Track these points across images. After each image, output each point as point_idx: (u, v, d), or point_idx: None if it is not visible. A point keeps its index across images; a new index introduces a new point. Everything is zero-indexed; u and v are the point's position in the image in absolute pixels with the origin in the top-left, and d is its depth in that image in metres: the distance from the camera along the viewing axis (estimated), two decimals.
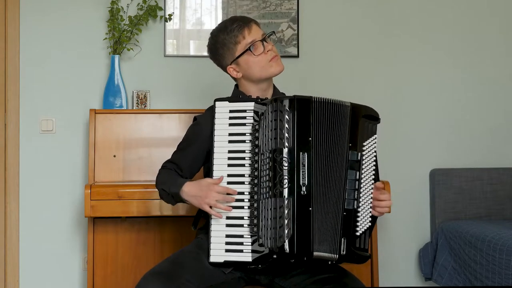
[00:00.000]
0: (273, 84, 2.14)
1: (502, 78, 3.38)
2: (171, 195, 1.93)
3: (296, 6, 3.23)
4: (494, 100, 3.37)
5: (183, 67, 3.20)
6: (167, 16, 3.14)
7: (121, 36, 3.03)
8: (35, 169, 3.10)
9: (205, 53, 3.17)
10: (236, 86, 2.14)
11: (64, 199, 3.11)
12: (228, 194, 1.84)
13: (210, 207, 1.84)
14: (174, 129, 2.91)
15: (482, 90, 3.37)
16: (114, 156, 2.88)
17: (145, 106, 3.08)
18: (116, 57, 3.02)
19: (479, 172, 3.27)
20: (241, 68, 2.05)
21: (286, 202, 1.76)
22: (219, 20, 3.22)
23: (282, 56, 3.15)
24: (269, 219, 1.78)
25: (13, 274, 3.07)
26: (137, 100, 3.08)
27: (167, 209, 2.55)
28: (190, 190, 1.88)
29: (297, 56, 3.24)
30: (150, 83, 3.16)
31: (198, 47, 3.24)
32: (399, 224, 3.26)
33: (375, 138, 1.91)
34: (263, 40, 2.02)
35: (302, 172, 1.78)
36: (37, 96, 3.11)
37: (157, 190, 2.02)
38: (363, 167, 1.86)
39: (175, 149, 2.09)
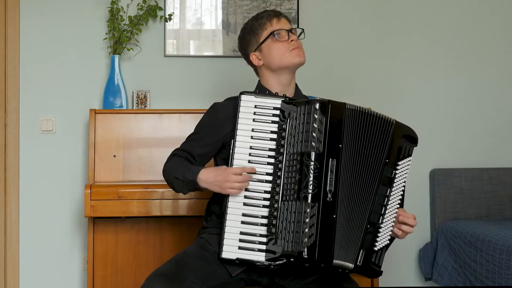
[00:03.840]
0: (296, 84, 2.11)
1: (502, 78, 3.38)
2: (185, 183, 1.89)
3: (296, 6, 3.23)
4: (494, 100, 3.37)
5: (183, 67, 3.20)
6: (167, 16, 3.13)
7: (121, 36, 3.03)
8: (35, 169, 3.10)
9: (205, 53, 3.23)
10: (259, 81, 2.10)
11: (64, 199, 3.11)
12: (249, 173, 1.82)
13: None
14: (174, 129, 2.91)
15: (482, 90, 3.37)
16: (114, 156, 2.88)
17: (145, 106, 3.08)
18: (116, 57, 3.02)
19: (479, 172, 3.27)
20: (263, 56, 2.02)
21: (310, 207, 1.73)
22: (219, 20, 3.22)
23: None
24: (290, 222, 1.75)
25: (13, 274, 3.07)
26: (137, 100, 3.08)
27: (167, 209, 2.55)
28: (207, 176, 1.84)
29: None
30: (150, 83, 3.16)
31: (198, 47, 3.24)
32: None
33: (410, 160, 1.90)
34: (290, 31, 2.01)
35: (330, 178, 1.75)
36: (37, 96, 3.11)
37: (167, 180, 1.97)
38: (394, 185, 1.85)
39: (175, 148, 2.06)
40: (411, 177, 3.26)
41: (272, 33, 2.00)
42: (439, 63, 3.35)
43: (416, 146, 1.93)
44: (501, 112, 3.37)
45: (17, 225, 3.08)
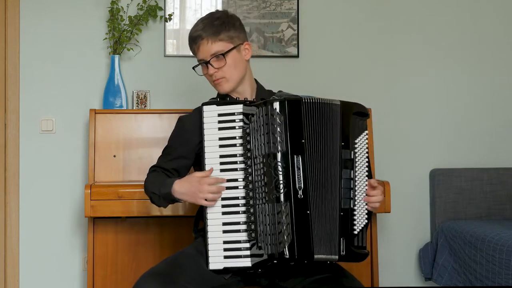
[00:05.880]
0: (255, 80, 2.12)
1: (503, 78, 3.38)
2: (162, 197, 1.91)
3: (296, 6, 3.23)
4: (494, 100, 3.37)
5: (183, 67, 3.19)
6: (167, 16, 3.13)
7: (121, 36, 3.03)
8: (35, 169, 3.10)
9: None
10: None
11: (64, 199, 3.11)
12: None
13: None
14: None
15: (482, 90, 3.37)
16: (114, 156, 2.88)
17: (145, 106, 3.08)
18: (116, 57, 3.02)
19: (479, 172, 3.27)
20: None
21: (283, 207, 1.74)
22: None
23: (282, 56, 3.21)
24: (267, 224, 1.76)
25: (13, 274, 3.07)
26: (137, 100, 3.08)
27: (167, 209, 2.54)
28: (181, 187, 1.86)
29: (297, 56, 3.24)
30: (150, 83, 3.16)
31: None
32: (399, 224, 3.26)
33: (366, 134, 1.90)
34: (208, 62, 2.01)
35: (298, 175, 1.76)
36: (37, 96, 3.11)
37: (148, 195, 1.99)
38: (356, 164, 1.86)
39: (152, 165, 2.08)
40: (411, 177, 3.31)
41: (198, 64, 2.06)
42: (439, 63, 3.35)
43: (368, 118, 1.93)
44: (501, 112, 3.37)
45: (17, 225, 3.08)
